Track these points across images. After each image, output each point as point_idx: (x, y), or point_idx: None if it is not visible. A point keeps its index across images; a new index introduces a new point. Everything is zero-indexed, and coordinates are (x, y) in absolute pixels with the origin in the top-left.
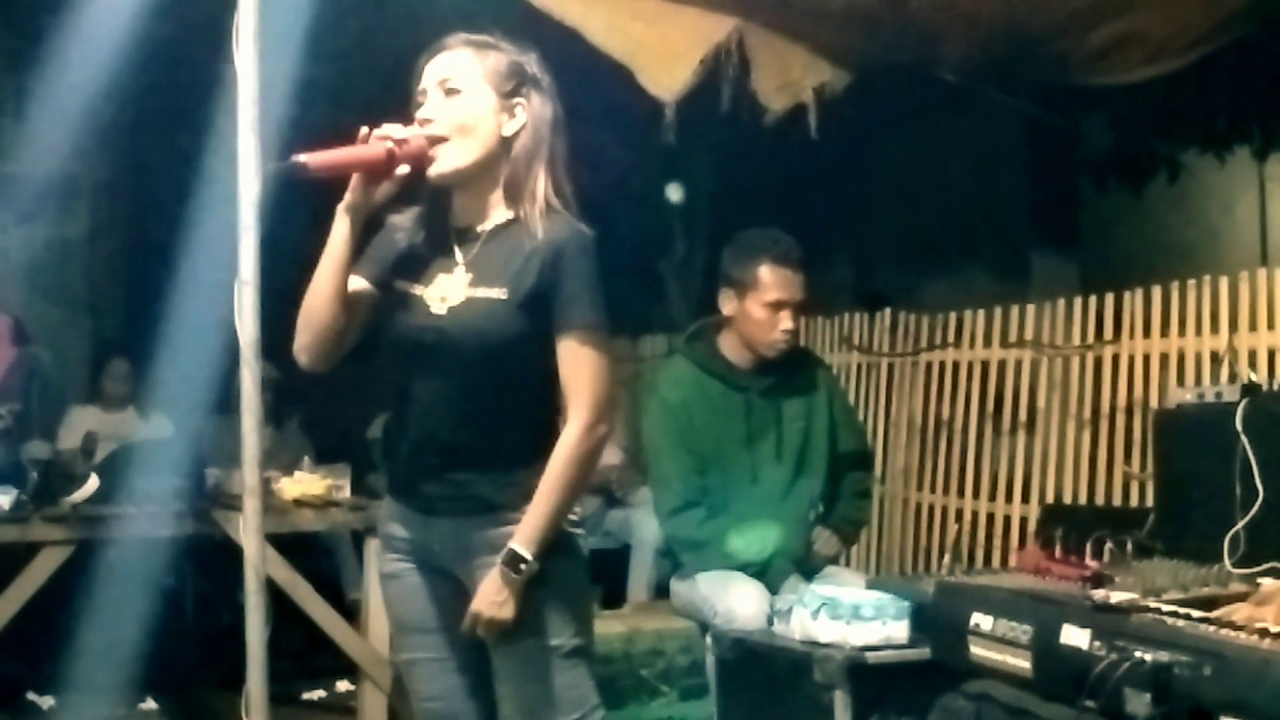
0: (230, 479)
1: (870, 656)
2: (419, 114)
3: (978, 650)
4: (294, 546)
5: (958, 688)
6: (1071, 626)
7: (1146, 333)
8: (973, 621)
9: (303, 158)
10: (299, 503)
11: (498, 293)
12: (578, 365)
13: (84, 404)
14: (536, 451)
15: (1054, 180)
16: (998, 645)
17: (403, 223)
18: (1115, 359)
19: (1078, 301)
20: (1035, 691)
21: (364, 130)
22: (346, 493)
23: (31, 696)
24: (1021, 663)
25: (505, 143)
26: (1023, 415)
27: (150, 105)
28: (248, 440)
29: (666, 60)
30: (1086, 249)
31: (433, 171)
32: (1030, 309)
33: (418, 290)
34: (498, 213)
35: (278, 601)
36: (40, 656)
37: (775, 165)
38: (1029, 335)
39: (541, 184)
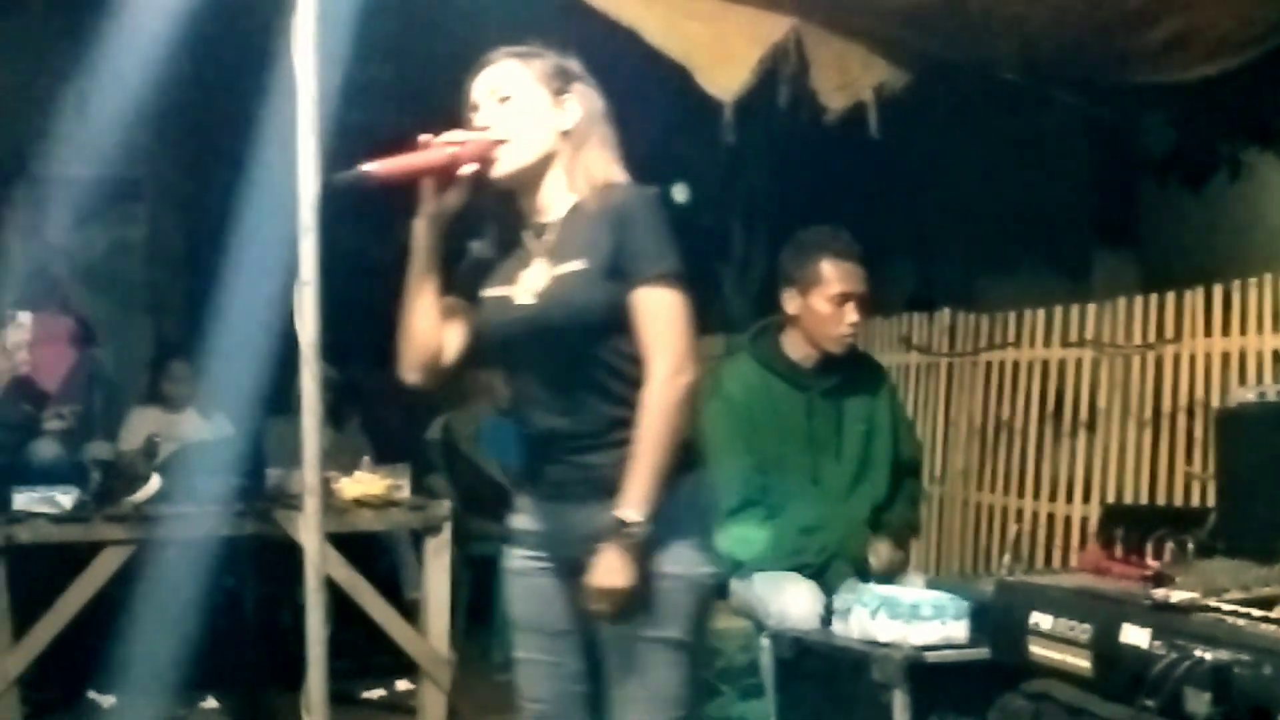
0: (290, 479)
1: (929, 656)
2: (474, 125)
3: (1037, 649)
4: (354, 546)
5: (1017, 687)
6: (1131, 625)
7: (1208, 332)
8: (1032, 621)
9: (369, 166)
10: (359, 503)
11: (578, 265)
12: (652, 315)
13: (145, 405)
14: None
15: (1114, 179)
16: (1057, 644)
17: (483, 247)
18: (1176, 358)
19: (1138, 301)
20: (1095, 691)
21: (425, 137)
22: (406, 493)
23: (93, 695)
24: (1081, 662)
25: (562, 137)
26: (1083, 415)
27: (210, 107)
28: (308, 440)
29: (724, 60)
30: (1147, 248)
31: (497, 173)
32: (1091, 308)
33: (505, 291)
34: (564, 201)
35: (337, 601)
36: (101, 655)
37: (834, 165)
38: (1089, 335)
39: (598, 167)
